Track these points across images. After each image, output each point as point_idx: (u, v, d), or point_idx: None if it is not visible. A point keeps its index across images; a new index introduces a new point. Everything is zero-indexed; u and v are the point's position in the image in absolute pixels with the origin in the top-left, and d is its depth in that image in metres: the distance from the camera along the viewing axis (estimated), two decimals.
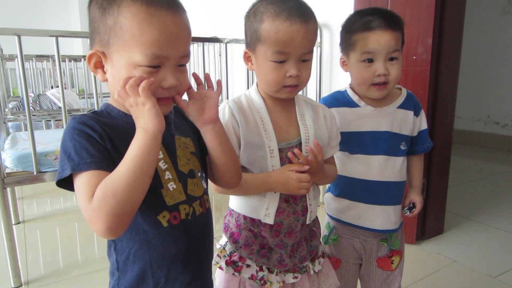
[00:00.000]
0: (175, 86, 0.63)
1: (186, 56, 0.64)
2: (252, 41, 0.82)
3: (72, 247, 1.99)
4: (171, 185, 0.66)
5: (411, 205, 1.11)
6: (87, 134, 0.58)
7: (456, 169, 3.15)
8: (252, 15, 0.83)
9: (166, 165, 0.66)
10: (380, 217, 1.03)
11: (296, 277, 0.90)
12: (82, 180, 0.55)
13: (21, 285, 1.60)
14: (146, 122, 0.57)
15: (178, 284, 0.67)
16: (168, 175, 0.66)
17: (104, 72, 0.64)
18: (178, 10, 0.62)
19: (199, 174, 0.73)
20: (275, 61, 0.79)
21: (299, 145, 0.87)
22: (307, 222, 0.90)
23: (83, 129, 0.58)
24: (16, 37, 1.50)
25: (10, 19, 5.43)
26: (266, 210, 0.86)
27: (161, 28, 0.59)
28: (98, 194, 0.53)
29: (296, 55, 0.79)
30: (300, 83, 0.82)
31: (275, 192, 0.85)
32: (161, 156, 0.66)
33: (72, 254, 1.90)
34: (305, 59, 0.81)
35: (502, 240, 2.03)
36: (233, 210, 0.92)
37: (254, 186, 0.84)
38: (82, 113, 2.56)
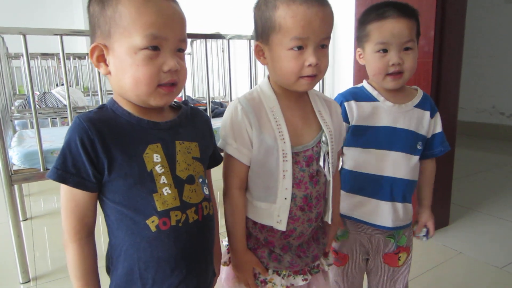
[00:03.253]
0: (176, 70, 0.64)
1: (184, 40, 0.67)
2: (264, 31, 0.77)
3: None
4: (166, 190, 0.66)
5: (426, 230, 1.09)
6: (76, 146, 0.62)
7: (462, 161, 3.14)
8: (263, 4, 0.78)
9: (163, 170, 0.66)
10: (391, 214, 1.02)
11: (305, 280, 0.87)
12: (64, 191, 0.65)
13: (29, 280, 1.62)
14: None
15: (165, 286, 0.68)
16: (163, 179, 0.66)
17: (107, 65, 0.66)
18: None
19: (200, 180, 0.72)
20: (293, 48, 0.74)
21: (315, 146, 0.82)
22: (329, 221, 0.89)
23: (75, 139, 0.62)
24: (21, 36, 1.52)
25: (14, 17, 5.46)
26: (277, 217, 0.81)
27: (158, 11, 0.62)
28: (67, 252, 0.67)
29: (315, 40, 0.74)
30: (319, 72, 0.77)
31: (285, 199, 0.81)
32: (158, 160, 0.66)
33: None
34: (323, 45, 0.76)
35: (508, 231, 2.02)
36: None
37: (231, 227, 0.84)
38: (87, 110, 2.59)
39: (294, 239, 0.85)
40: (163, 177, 0.66)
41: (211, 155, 0.80)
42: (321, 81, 2.38)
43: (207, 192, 0.73)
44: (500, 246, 1.85)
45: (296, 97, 0.84)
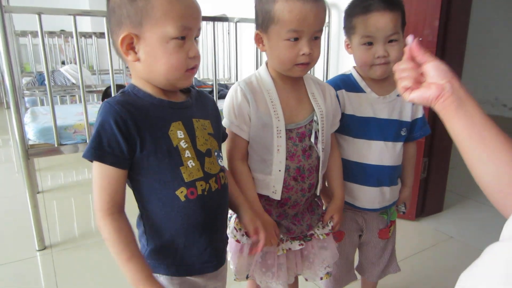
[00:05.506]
0: (198, 55, 0.72)
1: (200, 29, 0.74)
2: (264, 22, 0.85)
3: (87, 216, 2.11)
4: (190, 163, 0.73)
5: (404, 206, 1.18)
6: (111, 127, 0.66)
7: None
8: None
9: (186, 145, 0.73)
10: (378, 197, 1.09)
11: (301, 244, 0.97)
12: (98, 170, 0.68)
13: (45, 248, 1.72)
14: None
15: (195, 249, 0.76)
16: (187, 153, 0.72)
17: (135, 53, 0.70)
18: None
19: (216, 153, 0.79)
20: (289, 39, 0.82)
21: (308, 124, 0.92)
22: (318, 193, 0.98)
23: (109, 120, 0.66)
24: (36, 15, 1.57)
25: None
26: (273, 187, 0.91)
27: (186, 3, 0.69)
28: (103, 229, 0.68)
29: (309, 33, 0.82)
30: (311, 60, 0.85)
31: (279, 171, 0.90)
32: (182, 136, 0.73)
33: (87, 223, 2.02)
34: (316, 36, 0.85)
35: (499, 219, 2.06)
36: None
37: (244, 193, 0.89)
38: (95, 89, 2.64)
39: (289, 207, 0.95)
40: (187, 151, 0.73)
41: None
42: (325, 65, 2.43)
43: (222, 164, 0.81)
44: (490, 233, 1.93)
45: (291, 81, 0.93)
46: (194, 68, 0.73)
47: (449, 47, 1.87)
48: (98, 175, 0.68)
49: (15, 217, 2.03)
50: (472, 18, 1.96)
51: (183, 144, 0.73)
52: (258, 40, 0.90)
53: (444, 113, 0.61)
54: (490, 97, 4.23)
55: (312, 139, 0.92)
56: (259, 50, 2.44)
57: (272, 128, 0.88)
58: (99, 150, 0.66)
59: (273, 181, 0.91)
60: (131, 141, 0.68)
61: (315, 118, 0.92)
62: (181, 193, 0.72)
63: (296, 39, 0.83)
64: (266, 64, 0.93)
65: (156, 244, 0.75)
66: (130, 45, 0.70)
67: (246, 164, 0.93)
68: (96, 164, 0.68)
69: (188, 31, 0.69)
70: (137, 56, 0.70)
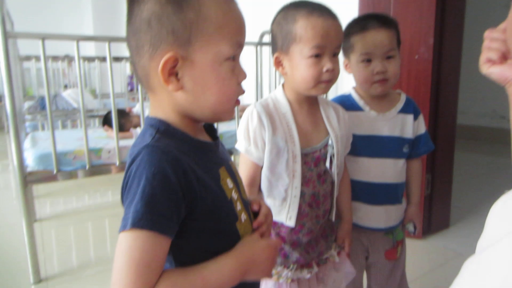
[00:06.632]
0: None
1: None
2: (285, 43, 0.86)
3: (86, 246, 2.05)
4: (243, 216, 0.60)
5: (413, 224, 1.15)
6: (169, 179, 0.49)
7: (463, 164, 3.17)
8: (282, 19, 0.87)
9: (236, 195, 0.60)
10: (383, 216, 1.08)
11: (310, 272, 0.93)
12: (139, 241, 0.47)
13: (40, 281, 1.64)
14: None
15: None
16: (239, 205, 0.59)
17: (178, 80, 0.54)
18: None
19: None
20: (313, 55, 0.83)
21: (323, 148, 0.91)
22: (333, 219, 0.96)
23: (167, 172, 0.49)
24: (39, 41, 1.58)
25: (21, 19, 5.44)
26: (287, 214, 0.89)
27: (239, 16, 0.57)
28: None
29: (331, 48, 0.84)
30: (333, 77, 0.86)
31: (295, 196, 0.87)
32: (231, 186, 0.59)
33: (85, 253, 1.96)
34: (336, 53, 0.86)
35: None
36: None
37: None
38: (96, 113, 2.59)
39: (304, 235, 0.92)
40: (238, 202, 0.59)
41: None
42: None
43: None
44: None
45: (307, 104, 0.92)
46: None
47: (444, 64, 1.89)
48: (139, 249, 0.47)
49: (10, 247, 1.97)
50: (465, 35, 1.98)
51: (234, 194, 0.59)
52: (278, 63, 0.90)
53: None
54: (488, 109, 4.24)
55: (327, 164, 0.90)
56: (259, 73, 2.44)
57: (287, 153, 0.87)
58: (154, 215, 0.48)
59: (288, 207, 0.89)
60: (189, 199, 0.52)
61: (329, 142, 0.91)
62: None
63: (318, 56, 0.83)
64: (283, 86, 0.93)
65: None
66: (171, 70, 0.53)
67: (255, 192, 0.91)
68: (133, 235, 0.47)
69: (240, 50, 0.57)
70: (180, 84, 0.54)
